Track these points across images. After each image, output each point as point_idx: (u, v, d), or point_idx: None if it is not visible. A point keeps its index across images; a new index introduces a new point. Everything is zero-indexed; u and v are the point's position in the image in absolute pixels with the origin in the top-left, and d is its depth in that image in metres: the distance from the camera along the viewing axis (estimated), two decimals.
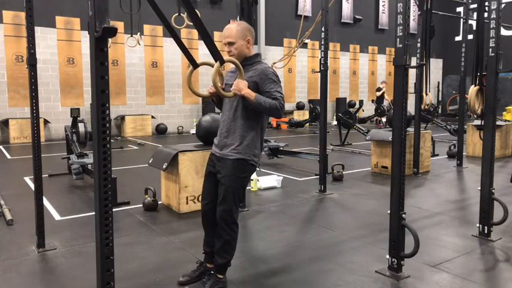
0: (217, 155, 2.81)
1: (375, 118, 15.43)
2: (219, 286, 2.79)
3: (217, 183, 2.79)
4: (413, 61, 3.00)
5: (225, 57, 2.60)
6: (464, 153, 8.08)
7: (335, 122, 15.16)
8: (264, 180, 5.83)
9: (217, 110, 3.10)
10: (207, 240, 2.91)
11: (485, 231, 3.80)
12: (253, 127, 2.76)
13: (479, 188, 3.88)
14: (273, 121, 15.77)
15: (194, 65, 2.62)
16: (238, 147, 2.72)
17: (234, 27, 2.75)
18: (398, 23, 2.97)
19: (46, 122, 11.98)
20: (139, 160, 8.04)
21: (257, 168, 2.91)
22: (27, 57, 3.39)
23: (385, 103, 15.35)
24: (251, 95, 2.61)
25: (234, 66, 2.71)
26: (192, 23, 2.75)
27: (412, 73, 7.67)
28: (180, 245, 3.67)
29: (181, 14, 7.74)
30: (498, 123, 8.03)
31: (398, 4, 2.98)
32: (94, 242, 2.23)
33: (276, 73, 2.78)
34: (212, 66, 2.60)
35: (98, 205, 2.11)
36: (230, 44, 2.73)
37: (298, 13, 16.50)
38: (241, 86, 2.62)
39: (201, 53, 14.02)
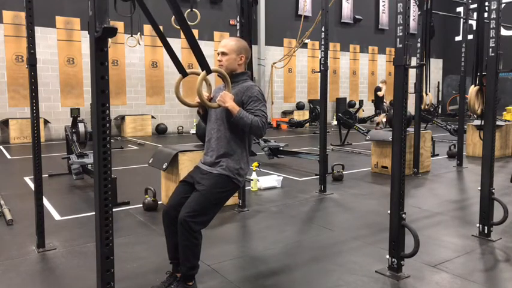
0: (203, 168, 2.75)
1: (378, 118, 14.71)
2: None
3: (191, 191, 2.69)
4: (414, 61, 3.01)
5: (213, 67, 2.51)
6: (464, 153, 8.08)
7: (335, 122, 15.15)
8: (264, 180, 5.83)
9: None
10: (168, 247, 2.79)
11: (485, 231, 3.80)
12: (239, 144, 2.71)
13: (479, 188, 3.88)
14: (273, 121, 15.77)
15: (183, 73, 2.51)
16: (223, 163, 2.67)
17: (233, 41, 2.75)
18: (399, 23, 2.98)
19: (46, 122, 11.98)
20: (139, 160, 8.04)
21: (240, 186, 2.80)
22: (27, 57, 3.39)
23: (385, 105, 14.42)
24: (235, 108, 2.57)
25: (223, 83, 2.64)
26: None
27: (412, 73, 7.66)
28: None
29: None
30: (498, 123, 8.03)
31: (398, 4, 2.99)
32: (94, 242, 2.23)
33: (261, 92, 2.73)
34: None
35: (98, 205, 2.11)
36: (223, 54, 2.71)
37: (298, 13, 16.49)
38: (226, 98, 2.56)
39: None
